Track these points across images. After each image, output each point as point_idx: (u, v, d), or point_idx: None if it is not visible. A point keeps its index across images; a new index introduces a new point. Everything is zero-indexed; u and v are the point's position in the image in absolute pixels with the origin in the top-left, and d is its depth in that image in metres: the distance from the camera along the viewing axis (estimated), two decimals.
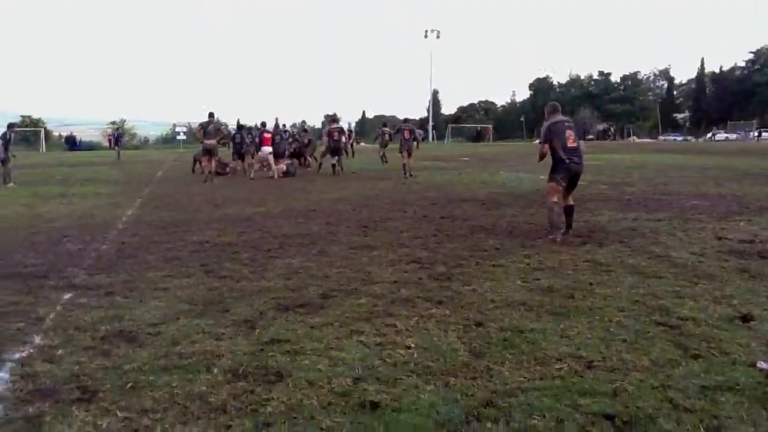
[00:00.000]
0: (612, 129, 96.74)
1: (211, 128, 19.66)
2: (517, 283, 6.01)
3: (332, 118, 27.14)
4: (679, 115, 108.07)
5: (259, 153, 21.06)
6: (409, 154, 20.80)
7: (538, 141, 8.74)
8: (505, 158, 32.48)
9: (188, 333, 4.66)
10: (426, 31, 79.13)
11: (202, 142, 19.99)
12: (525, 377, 3.76)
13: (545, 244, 8.02)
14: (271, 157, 20.84)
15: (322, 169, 23.14)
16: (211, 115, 19.90)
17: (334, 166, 21.61)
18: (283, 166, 20.77)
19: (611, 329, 4.60)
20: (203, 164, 20.32)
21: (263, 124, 22.71)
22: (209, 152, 19.74)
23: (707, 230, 8.99)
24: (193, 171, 22.89)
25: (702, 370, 3.86)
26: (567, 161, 8.47)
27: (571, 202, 8.89)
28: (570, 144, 8.52)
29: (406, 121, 24.08)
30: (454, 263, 6.94)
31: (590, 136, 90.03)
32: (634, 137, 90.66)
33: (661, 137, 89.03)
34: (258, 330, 4.71)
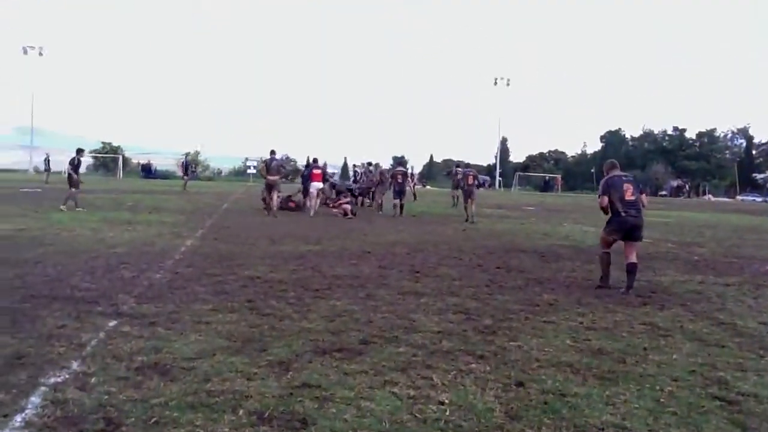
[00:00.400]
0: (687, 186, 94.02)
1: (273, 165, 20.40)
2: (567, 342, 5.75)
3: (399, 161, 27.42)
4: (759, 175, 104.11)
5: (310, 188, 21.47)
6: (472, 200, 20.76)
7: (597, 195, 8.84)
8: (572, 210, 31.83)
9: (221, 370, 4.60)
10: (496, 78, 79.00)
11: (265, 178, 20.73)
12: None
13: (602, 303, 7.69)
14: (314, 192, 21.29)
15: (383, 211, 23.30)
16: (272, 152, 20.85)
17: (395, 207, 21.81)
18: (348, 206, 20.89)
19: (662, 400, 4.30)
20: (266, 199, 20.77)
21: (314, 161, 23.33)
22: (271, 187, 20.31)
23: None
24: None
25: None
26: (624, 214, 8.64)
27: (634, 260, 8.75)
28: (628, 197, 8.69)
29: (467, 166, 23.94)
30: (503, 316, 6.71)
31: (663, 192, 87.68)
32: (710, 195, 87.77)
33: (738, 197, 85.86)
34: (291, 372, 4.61)
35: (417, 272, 9.57)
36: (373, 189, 25.68)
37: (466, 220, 20.14)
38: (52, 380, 4.30)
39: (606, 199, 8.72)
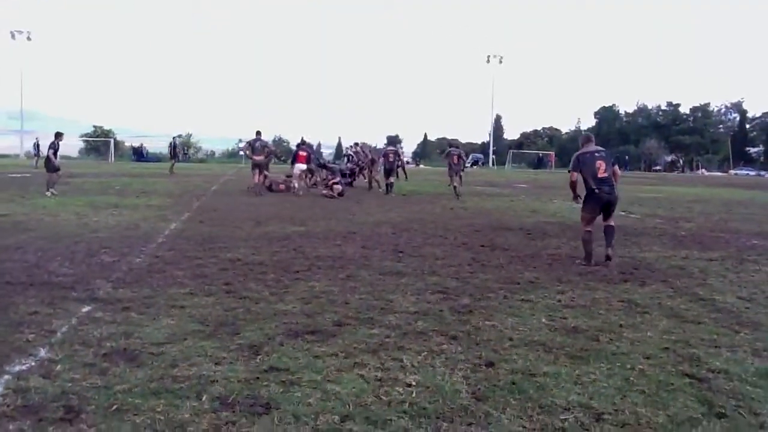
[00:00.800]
0: (680, 161, 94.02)
1: (258, 145, 21.19)
2: (542, 320, 5.72)
3: (391, 141, 27.48)
4: (753, 149, 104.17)
5: (293, 169, 21.98)
6: (459, 179, 21.01)
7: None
8: (563, 186, 31.64)
9: (190, 355, 4.56)
10: (488, 56, 78.56)
11: (251, 158, 21.59)
12: (525, 427, 3.51)
13: (583, 280, 7.67)
14: (297, 173, 21.76)
15: (373, 188, 23.61)
16: (258, 133, 21.59)
17: (387, 185, 22.14)
18: (339, 187, 20.82)
19: (631, 378, 4.28)
20: (253, 178, 21.27)
21: (302, 142, 23.83)
22: (257, 167, 21.07)
23: (762, 273, 8.47)
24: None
25: (724, 431, 3.53)
26: (597, 191, 8.74)
27: (612, 223, 9.07)
28: (600, 174, 8.74)
29: (456, 146, 23.91)
30: (481, 295, 6.69)
31: (657, 167, 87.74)
32: (703, 170, 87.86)
33: (732, 171, 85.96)
34: (260, 356, 4.58)
35: (400, 252, 9.52)
36: (362, 168, 25.77)
37: (458, 197, 20.38)
38: (17, 368, 4.25)
39: (575, 174, 8.93)
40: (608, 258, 8.78)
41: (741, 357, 4.81)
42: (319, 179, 23.46)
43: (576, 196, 9.28)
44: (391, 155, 22.76)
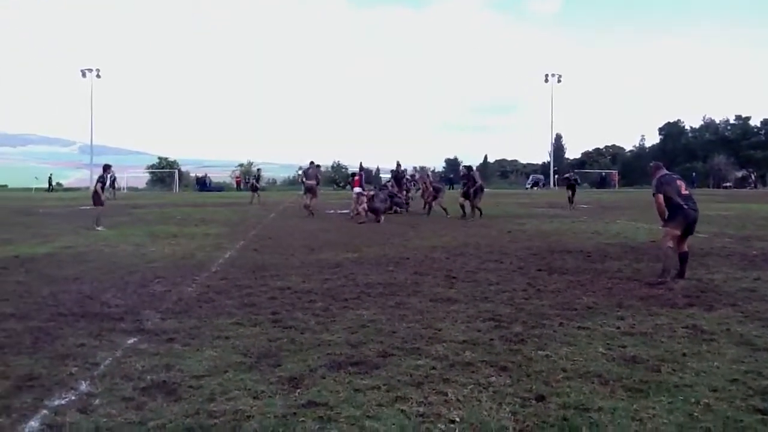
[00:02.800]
0: (752, 176, 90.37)
1: (310, 171, 24.17)
2: (599, 350, 5.40)
3: (467, 167, 27.12)
4: None
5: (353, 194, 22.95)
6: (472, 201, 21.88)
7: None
8: (627, 206, 30.84)
9: (228, 388, 4.45)
10: (546, 75, 77.79)
11: (303, 183, 25.07)
12: None
13: (644, 305, 7.27)
14: (354, 197, 22.52)
15: (435, 213, 23.55)
16: (311, 162, 24.73)
17: (463, 207, 22.16)
18: (363, 207, 21.15)
19: (695, 413, 3.93)
20: (304, 201, 23.79)
21: (360, 167, 25.85)
22: (309, 190, 23.76)
23: None
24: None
25: None
26: (685, 207, 8.84)
27: (686, 249, 9.12)
28: (683, 191, 8.93)
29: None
30: (535, 323, 6.39)
31: (727, 184, 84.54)
32: None
33: None
34: (300, 389, 4.43)
35: (453, 278, 9.28)
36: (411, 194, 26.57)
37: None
38: (56, 402, 4.22)
39: (661, 197, 8.94)
40: (682, 275, 8.99)
41: None
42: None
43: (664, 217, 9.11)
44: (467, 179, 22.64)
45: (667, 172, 9.32)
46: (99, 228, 17.60)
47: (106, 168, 19.64)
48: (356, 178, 23.27)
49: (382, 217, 20.74)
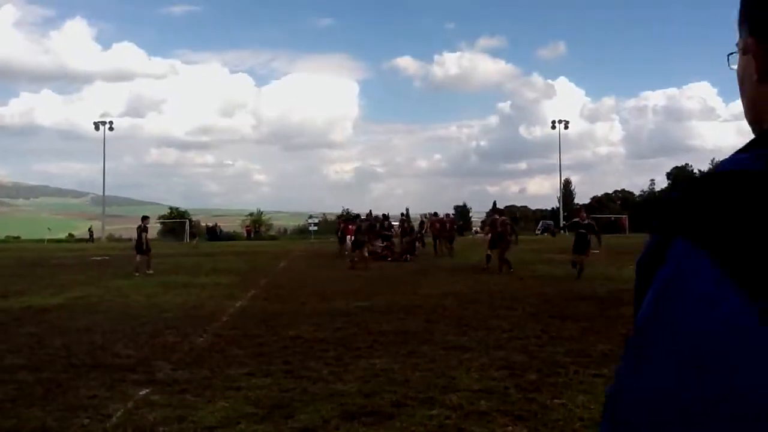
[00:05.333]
0: None
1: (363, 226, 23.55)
2: None
3: (496, 210, 27.01)
4: None
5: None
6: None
7: None
8: (638, 251, 30.24)
9: None
10: (553, 121, 78.58)
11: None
12: None
13: None
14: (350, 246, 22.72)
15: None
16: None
17: (488, 257, 20.35)
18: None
19: None
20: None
21: (368, 213, 26.81)
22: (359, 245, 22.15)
23: None
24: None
25: None
26: None
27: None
28: None
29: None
30: (550, 371, 6.31)
31: None
32: None
33: None
34: None
35: (465, 325, 9.22)
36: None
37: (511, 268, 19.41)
38: None
39: None
40: None
41: None
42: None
43: None
44: (498, 224, 20.70)
45: None
46: (150, 271, 19.78)
47: (144, 218, 21.91)
48: (350, 226, 22.94)
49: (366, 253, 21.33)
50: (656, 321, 0.59)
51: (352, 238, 22.28)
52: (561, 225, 78.72)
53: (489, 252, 20.53)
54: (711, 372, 0.52)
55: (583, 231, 17.35)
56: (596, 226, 17.70)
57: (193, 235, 55.15)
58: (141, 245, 20.58)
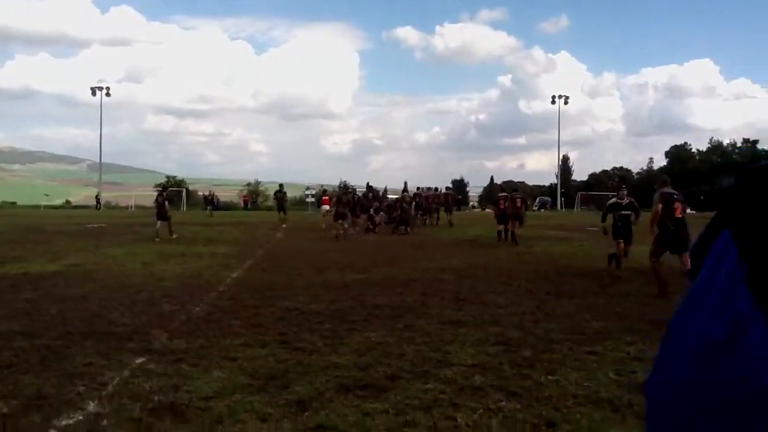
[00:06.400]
0: None
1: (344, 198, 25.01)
2: (609, 375, 5.35)
3: (500, 187, 27.66)
4: None
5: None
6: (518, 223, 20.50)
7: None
8: (636, 229, 30.68)
9: (237, 411, 4.44)
10: (553, 96, 78.11)
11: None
12: None
13: (655, 330, 7.21)
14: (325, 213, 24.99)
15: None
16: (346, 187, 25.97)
17: (499, 233, 21.06)
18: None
19: None
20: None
21: (367, 186, 29.18)
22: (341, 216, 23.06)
23: None
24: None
25: None
26: (672, 229, 9.56)
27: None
28: (677, 215, 9.65)
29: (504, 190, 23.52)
30: (544, 347, 6.34)
31: None
32: None
33: None
34: (308, 413, 4.41)
35: (462, 300, 9.25)
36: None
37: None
38: (64, 422, 4.22)
39: (660, 206, 9.66)
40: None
41: None
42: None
43: (653, 229, 9.86)
44: (501, 201, 21.52)
45: (671, 191, 10.02)
46: (174, 236, 21.15)
47: (164, 188, 27.62)
48: (324, 198, 26.89)
49: (348, 225, 22.60)
50: (677, 317, 0.63)
51: (327, 208, 23.65)
52: (559, 203, 78.80)
53: (500, 228, 21.12)
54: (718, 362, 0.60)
55: (627, 213, 13.37)
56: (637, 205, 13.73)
57: (212, 204, 54.91)
58: (163, 213, 21.96)
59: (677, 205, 9.72)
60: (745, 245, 0.58)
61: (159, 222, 21.70)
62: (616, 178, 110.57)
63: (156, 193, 25.09)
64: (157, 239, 20.42)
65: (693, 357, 0.60)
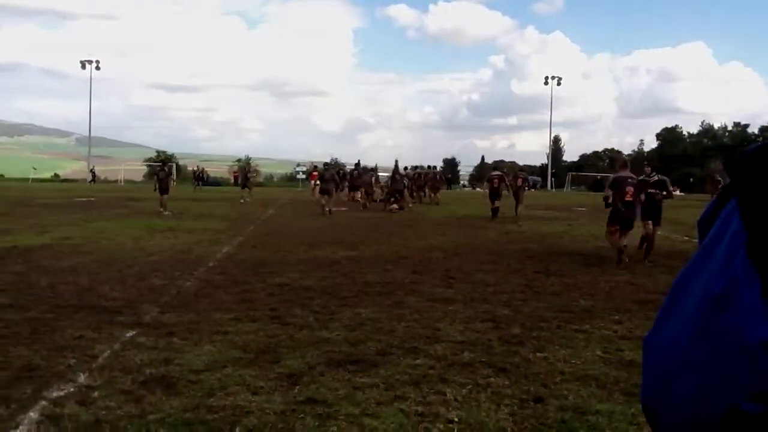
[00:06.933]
0: None
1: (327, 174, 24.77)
2: (597, 353, 5.42)
3: (493, 167, 27.77)
4: None
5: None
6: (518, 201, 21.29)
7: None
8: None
9: (228, 384, 4.47)
10: (546, 77, 77.82)
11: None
12: None
13: (641, 310, 7.30)
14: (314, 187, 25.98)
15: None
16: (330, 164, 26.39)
17: (494, 211, 21.53)
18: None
19: None
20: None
21: (357, 164, 30.86)
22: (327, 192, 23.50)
23: None
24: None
25: None
26: (622, 210, 10.88)
27: (625, 242, 11.18)
28: (627, 198, 10.79)
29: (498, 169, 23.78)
30: (533, 325, 6.41)
31: None
32: None
33: None
34: (299, 386, 4.45)
35: (451, 278, 9.30)
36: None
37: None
38: (55, 394, 4.23)
39: (610, 191, 11.21)
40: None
41: None
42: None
43: (607, 205, 11.36)
44: (495, 180, 21.92)
45: (627, 174, 11.17)
46: (167, 213, 21.12)
47: (166, 164, 27.86)
48: (314, 173, 27.20)
49: (327, 202, 22.50)
50: (681, 276, 0.69)
51: (317, 183, 25.19)
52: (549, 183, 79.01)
53: (494, 206, 21.61)
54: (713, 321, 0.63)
55: (653, 190, 11.83)
56: (669, 183, 12.40)
57: (201, 180, 55.05)
58: (164, 186, 22.66)
59: (629, 189, 10.74)
60: (748, 215, 0.61)
61: (164, 196, 22.32)
62: (606, 160, 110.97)
63: (149, 167, 26.40)
64: (167, 213, 21.04)
65: (691, 312, 0.63)
